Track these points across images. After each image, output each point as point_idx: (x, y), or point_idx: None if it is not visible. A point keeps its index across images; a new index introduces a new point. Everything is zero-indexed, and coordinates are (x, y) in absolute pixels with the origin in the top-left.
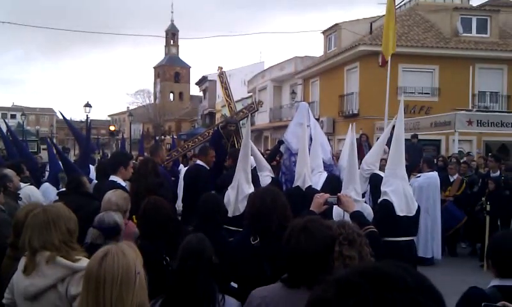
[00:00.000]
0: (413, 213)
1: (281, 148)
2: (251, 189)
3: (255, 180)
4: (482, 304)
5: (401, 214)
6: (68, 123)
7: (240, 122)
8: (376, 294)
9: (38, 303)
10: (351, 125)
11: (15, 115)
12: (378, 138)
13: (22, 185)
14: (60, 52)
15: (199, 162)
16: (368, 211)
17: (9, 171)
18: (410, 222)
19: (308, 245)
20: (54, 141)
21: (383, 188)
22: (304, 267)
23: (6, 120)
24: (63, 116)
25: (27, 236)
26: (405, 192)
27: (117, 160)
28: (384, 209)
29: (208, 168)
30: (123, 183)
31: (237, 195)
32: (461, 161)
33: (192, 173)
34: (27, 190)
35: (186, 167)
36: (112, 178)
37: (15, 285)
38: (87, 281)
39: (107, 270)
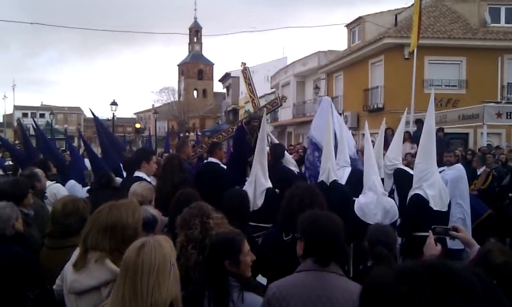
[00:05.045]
0: (446, 208)
1: (305, 143)
2: (268, 183)
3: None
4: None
5: (435, 208)
6: (97, 121)
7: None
8: (435, 289)
9: (81, 300)
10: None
11: (44, 114)
12: (404, 132)
13: (48, 183)
14: (92, 52)
15: (212, 159)
16: (391, 204)
17: (38, 171)
18: (442, 217)
19: (329, 221)
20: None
21: (418, 183)
22: (335, 241)
23: (35, 119)
24: (93, 113)
25: (86, 230)
26: (440, 187)
27: (139, 156)
28: (417, 203)
29: (221, 164)
30: (148, 178)
31: (255, 190)
32: (486, 153)
33: (206, 171)
34: (53, 189)
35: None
36: (137, 173)
37: (65, 276)
38: (125, 270)
39: (145, 260)
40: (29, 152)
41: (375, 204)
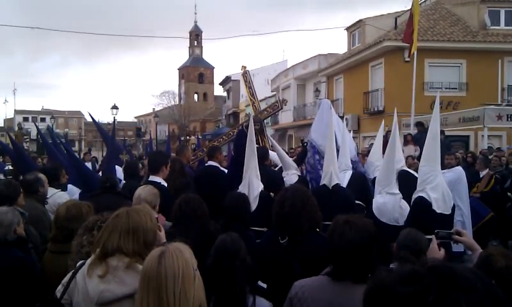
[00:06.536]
0: (450, 211)
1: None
2: (261, 186)
3: (278, 180)
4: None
5: (438, 211)
6: (96, 124)
7: (265, 121)
8: (440, 288)
9: None
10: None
11: (45, 118)
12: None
13: (53, 191)
14: (93, 56)
15: (211, 162)
16: (405, 205)
17: (42, 176)
18: (446, 220)
19: (353, 237)
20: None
21: (421, 185)
22: (349, 259)
23: (37, 123)
24: (91, 117)
25: (104, 236)
26: (443, 190)
27: (159, 160)
28: (420, 206)
29: (221, 168)
30: (165, 183)
31: (249, 194)
32: (490, 156)
33: (206, 174)
34: (57, 198)
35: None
36: (154, 178)
37: (79, 288)
38: (147, 281)
39: (168, 267)
40: (22, 158)
41: (392, 204)
